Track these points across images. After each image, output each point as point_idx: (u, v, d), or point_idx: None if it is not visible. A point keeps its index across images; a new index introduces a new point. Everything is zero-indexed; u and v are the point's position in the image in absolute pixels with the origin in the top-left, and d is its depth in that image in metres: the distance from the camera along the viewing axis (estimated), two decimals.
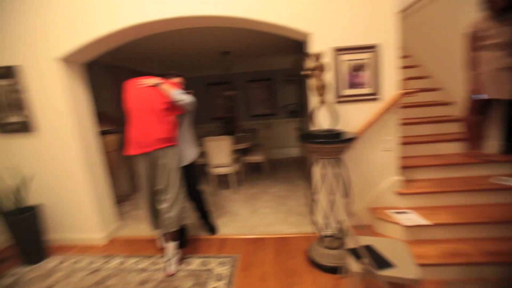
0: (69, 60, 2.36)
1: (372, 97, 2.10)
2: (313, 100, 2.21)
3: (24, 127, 2.41)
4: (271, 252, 2.31)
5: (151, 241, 2.62)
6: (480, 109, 2.34)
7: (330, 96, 2.10)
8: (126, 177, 4.04)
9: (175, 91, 2.00)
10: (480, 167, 2.33)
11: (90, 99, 2.59)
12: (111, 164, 3.06)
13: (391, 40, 1.99)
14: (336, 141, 1.78)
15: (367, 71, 2.06)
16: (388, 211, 2.21)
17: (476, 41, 2.22)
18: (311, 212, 2.49)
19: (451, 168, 2.36)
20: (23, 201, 2.33)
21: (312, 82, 1.83)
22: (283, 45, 4.16)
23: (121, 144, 3.23)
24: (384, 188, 2.27)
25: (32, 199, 2.53)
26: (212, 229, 2.66)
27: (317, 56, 1.73)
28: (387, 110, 2.06)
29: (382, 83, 2.07)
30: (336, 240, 2.11)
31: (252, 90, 6.22)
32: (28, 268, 2.30)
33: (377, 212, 2.24)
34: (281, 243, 2.44)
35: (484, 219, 1.94)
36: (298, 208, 3.13)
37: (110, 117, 3.11)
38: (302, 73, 2.06)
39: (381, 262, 1.39)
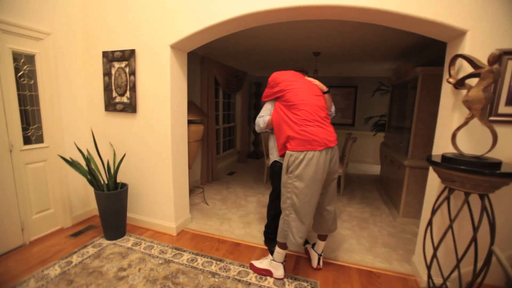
0: (178, 47, 2.36)
1: None
2: (448, 116, 1.75)
3: (127, 108, 2.51)
4: (357, 287, 1.92)
5: (221, 241, 2.48)
6: None
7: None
8: (198, 168, 4.08)
9: (333, 106, 2.13)
10: None
11: (186, 88, 2.58)
12: (189, 154, 3.05)
13: None
14: (493, 174, 1.31)
15: None
16: None
17: None
18: (423, 250, 2.00)
19: None
20: (115, 177, 2.41)
21: (472, 93, 1.39)
22: (380, 51, 3.68)
23: (202, 135, 3.21)
24: None
25: (119, 177, 2.63)
26: None
27: (492, 59, 1.29)
28: None
29: None
30: None
31: (333, 97, 5.81)
32: (108, 242, 2.37)
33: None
34: (369, 278, 2.03)
35: None
36: (384, 237, 2.64)
37: (196, 107, 3.11)
38: (449, 81, 1.61)
39: None
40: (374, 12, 1.73)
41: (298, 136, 1.75)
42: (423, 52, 3.52)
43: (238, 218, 2.99)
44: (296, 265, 2.17)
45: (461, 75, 1.65)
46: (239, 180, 4.45)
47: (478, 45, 1.58)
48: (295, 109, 1.82)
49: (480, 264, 1.46)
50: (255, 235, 2.61)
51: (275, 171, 2.11)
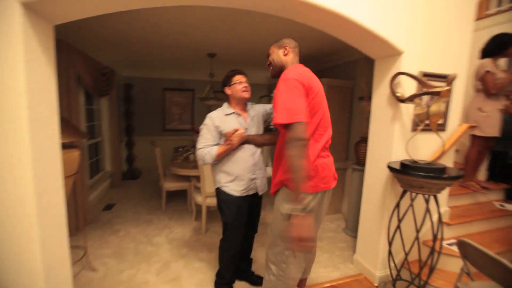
0: (39, 10, 1.25)
1: (441, 128, 2.03)
2: (387, 127, 1.95)
3: None
4: None
5: None
6: (481, 145, 2.58)
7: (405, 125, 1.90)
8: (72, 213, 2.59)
9: None
10: (474, 195, 2.58)
11: (56, 87, 1.47)
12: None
13: (464, 70, 1.99)
14: (455, 177, 1.56)
15: None
16: (445, 244, 2.14)
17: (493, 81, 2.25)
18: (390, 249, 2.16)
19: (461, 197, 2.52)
20: None
21: (434, 108, 1.57)
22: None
23: (78, 166, 2.00)
24: (435, 219, 2.22)
25: None
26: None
27: (450, 80, 1.49)
28: (456, 141, 2.02)
29: (449, 115, 2.04)
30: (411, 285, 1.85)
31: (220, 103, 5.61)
32: None
33: (431, 245, 2.13)
34: None
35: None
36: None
37: (65, 121, 1.88)
38: (397, 95, 1.77)
39: None
40: (329, 14, 1.59)
41: (312, 172, 1.29)
42: (309, 64, 3.99)
43: (157, 277, 2.12)
44: None
45: (399, 91, 1.88)
46: (125, 215, 3.28)
47: (409, 66, 1.85)
48: (318, 132, 1.30)
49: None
50: None
51: (221, 200, 1.75)
